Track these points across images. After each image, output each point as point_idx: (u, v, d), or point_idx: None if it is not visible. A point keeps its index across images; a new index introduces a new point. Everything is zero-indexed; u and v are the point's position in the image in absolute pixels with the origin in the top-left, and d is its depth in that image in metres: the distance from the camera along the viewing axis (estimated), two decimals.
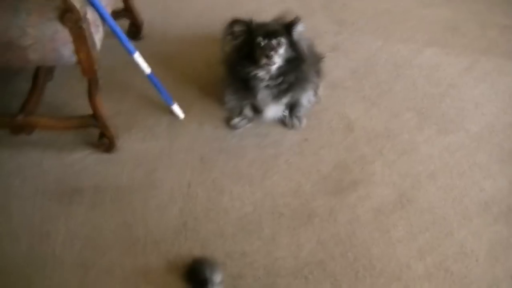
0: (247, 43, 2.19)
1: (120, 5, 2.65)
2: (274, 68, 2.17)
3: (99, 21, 1.98)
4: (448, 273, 2.00)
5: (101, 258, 2.00)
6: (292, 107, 2.42)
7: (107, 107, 2.19)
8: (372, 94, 2.62)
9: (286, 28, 2.20)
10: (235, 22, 2.19)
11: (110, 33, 2.09)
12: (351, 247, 2.06)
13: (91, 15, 1.89)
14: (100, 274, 1.96)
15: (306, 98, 2.41)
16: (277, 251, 2.04)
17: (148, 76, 2.28)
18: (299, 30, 2.21)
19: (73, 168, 2.27)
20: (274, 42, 2.15)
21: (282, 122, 2.46)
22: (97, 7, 1.94)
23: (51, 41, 1.82)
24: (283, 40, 2.16)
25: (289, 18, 2.23)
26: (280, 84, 2.23)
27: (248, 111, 2.42)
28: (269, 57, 2.11)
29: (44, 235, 2.05)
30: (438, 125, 2.48)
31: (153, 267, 1.98)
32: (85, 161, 2.29)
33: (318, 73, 2.48)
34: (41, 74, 2.40)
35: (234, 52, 2.25)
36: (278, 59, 2.15)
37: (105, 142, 2.28)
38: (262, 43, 2.14)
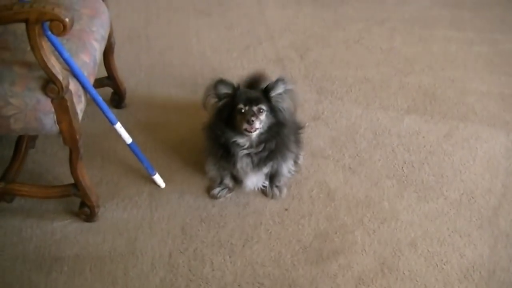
0: (228, 107, 2.19)
1: (103, 72, 2.67)
2: (254, 135, 2.17)
3: (81, 91, 1.99)
4: None
5: None
6: (272, 177, 2.44)
7: (88, 176, 2.19)
8: (352, 163, 2.64)
9: (265, 92, 2.22)
10: (220, 82, 2.19)
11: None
12: None
13: (73, 85, 1.91)
14: None
15: (286, 168, 2.41)
16: None
17: (130, 146, 2.30)
18: (279, 91, 2.22)
19: (54, 237, 2.25)
20: (255, 108, 2.15)
21: (262, 191, 2.47)
22: (80, 78, 1.96)
23: (34, 111, 1.82)
24: (264, 107, 2.17)
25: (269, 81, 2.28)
26: (260, 152, 2.24)
27: (228, 181, 2.43)
28: (250, 123, 2.10)
29: None
30: (418, 193, 2.50)
31: None
32: (66, 229, 2.28)
33: (297, 142, 2.49)
34: (23, 142, 2.41)
35: (214, 115, 2.25)
36: (259, 125, 2.15)
37: (86, 211, 2.27)
38: (243, 110, 2.14)
